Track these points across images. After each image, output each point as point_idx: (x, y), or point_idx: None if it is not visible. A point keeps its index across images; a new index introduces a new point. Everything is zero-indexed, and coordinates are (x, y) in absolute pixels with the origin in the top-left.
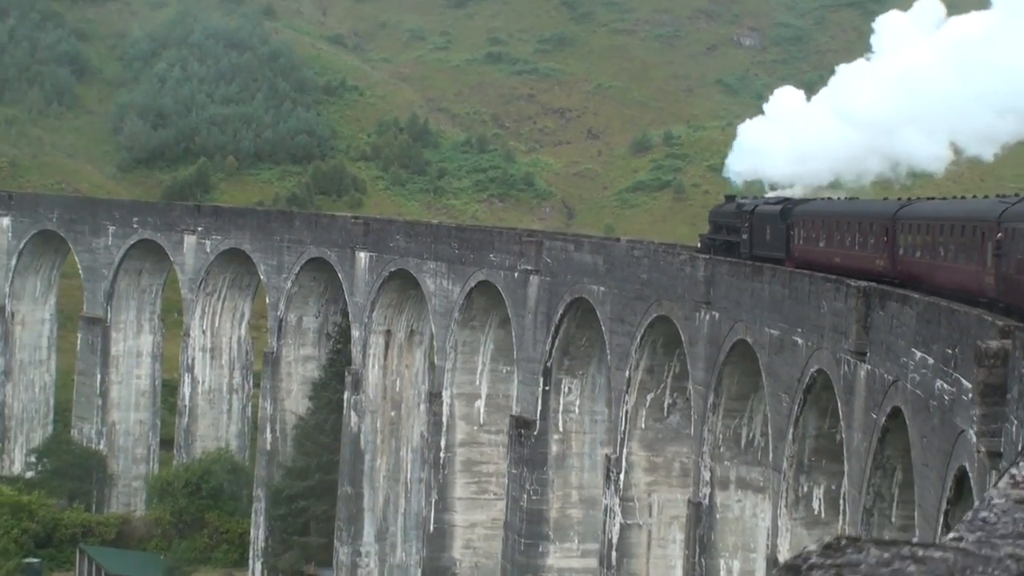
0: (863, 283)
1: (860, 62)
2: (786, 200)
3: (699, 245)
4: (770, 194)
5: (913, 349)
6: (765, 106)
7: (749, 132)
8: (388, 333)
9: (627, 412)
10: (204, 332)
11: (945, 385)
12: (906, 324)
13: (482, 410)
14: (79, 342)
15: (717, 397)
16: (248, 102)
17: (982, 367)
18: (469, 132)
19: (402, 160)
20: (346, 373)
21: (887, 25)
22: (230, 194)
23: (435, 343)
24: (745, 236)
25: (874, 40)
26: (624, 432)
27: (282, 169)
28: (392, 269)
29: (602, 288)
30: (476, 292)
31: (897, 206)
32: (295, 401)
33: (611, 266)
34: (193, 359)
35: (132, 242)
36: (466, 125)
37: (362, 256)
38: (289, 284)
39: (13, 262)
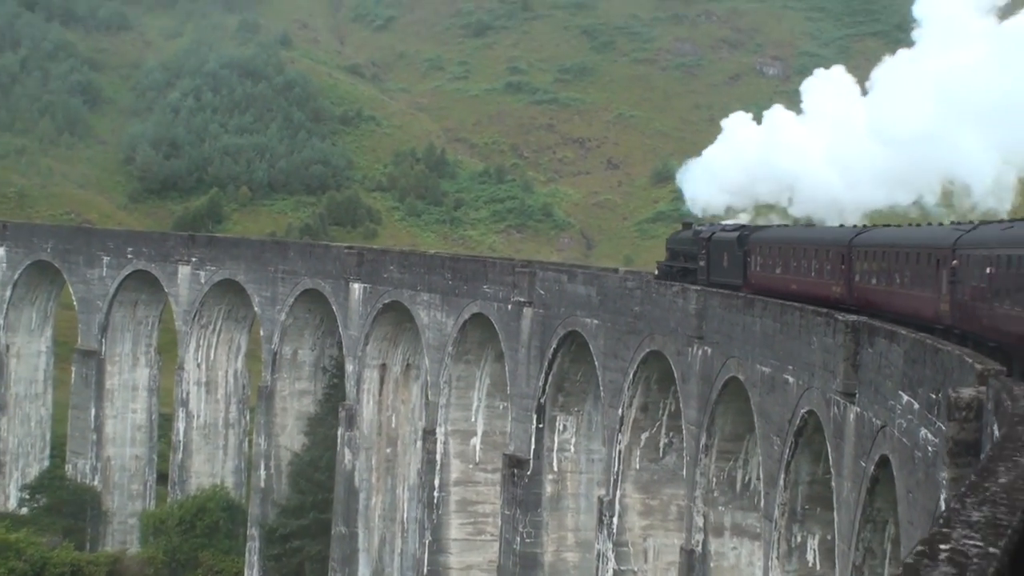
0: (852, 318)
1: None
2: (743, 227)
3: (656, 273)
4: (727, 221)
5: (900, 392)
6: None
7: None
8: (383, 367)
9: (621, 452)
10: (199, 365)
11: (929, 435)
12: (893, 363)
13: (478, 448)
14: (73, 375)
15: (710, 438)
16: (262, 132)
17: (952, 420)
18: (487, 162)
19: (418, 191)
20: (340, 408)
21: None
22: (243, 224)
23: (428, 378)
24: (702, 263)
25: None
26: (617, 473)
27: (296, 200)
28: (386, 301)
29: (595, 321)
30: (470, 325)
31: (853, 233)
32: (290, 437)
33: (604, 298)
34: (188, 393)
35: (127, 273)
36: (484, 155)
37: (356, 287)
38: (283, 316)
39: (8, 293)
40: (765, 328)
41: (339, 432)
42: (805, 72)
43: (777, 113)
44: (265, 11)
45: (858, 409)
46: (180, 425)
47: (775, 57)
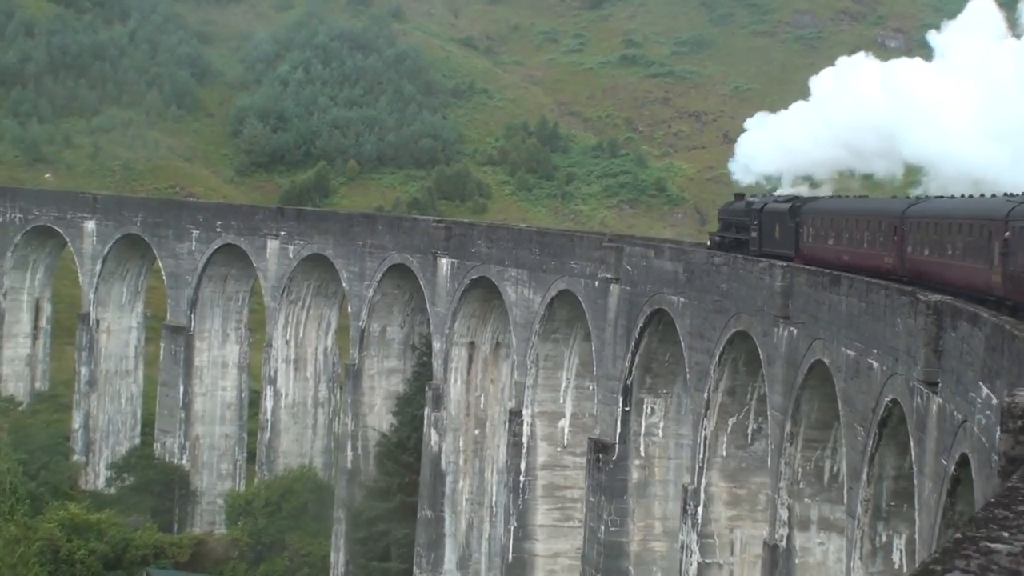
0: (935, 297)
1: None
2: (795, 198)
3: (708, 244)
4: (779, 192)
5: (980, 383)
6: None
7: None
8: (472, 345)
9: (706, 438)
10: (287, 342)
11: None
12: (975, 350)
13: (566, 430)
14: (162, 352)
15: (795, 425)
16: (372, 105)
17: (1006, 432)
18: (600, 136)
19: (529, 164)
20: (426, 388)
21: None
22: (350, 199)
23: (515, 357)
24: (754, 234)
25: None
26: (703, 460)
27: (405, 173)
28: (474, 277)
29: (682, 299)
30: (558, 302)
31: (906, 204)
32: (378, 417)
33: (691, 275)
34: (276, 371)
35: (216, 247)
36: (598, 129)
37: (444, 263)
38: (371, 292)
39: (98, 267)
40: (851, 308)
41: (426, 412)
42: (927, 45)
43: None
44: None
45: (940, 400)
46: (268, 404)
47: (897, 29)
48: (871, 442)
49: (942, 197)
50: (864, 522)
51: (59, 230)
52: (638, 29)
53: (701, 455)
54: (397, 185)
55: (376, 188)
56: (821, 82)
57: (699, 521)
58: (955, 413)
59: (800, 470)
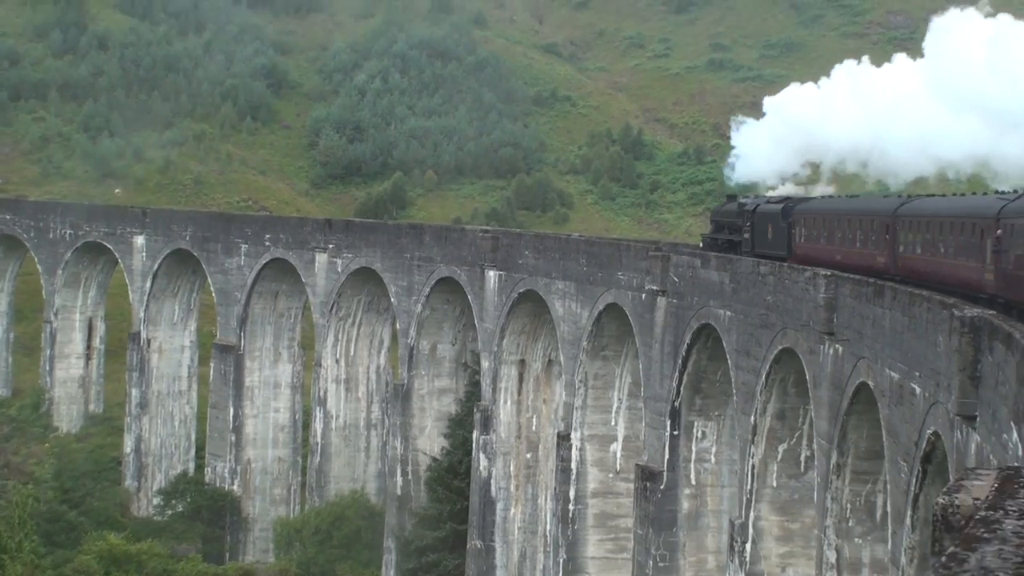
0: (971, 312)
1: None
2: (787, 199)
3: (701, 245)
4: (770, 193)
5: (1012, 423)
6: None
7: None
8: (522, 363)
9: (754, 467)
10: (338, 361)
11: None
12: (1008, 380)
13: (618, 455)
14: (212, 372)
15: (842, 456)
16: (451, 114)
17: None
18: (687, 143)
19: (613, 173)
20: (475, 409)
21: None
22: (427, 210)
23: (564, 376)
24: (747, 235)
25: None
26: (751, 492)
27: (484, 184)
28: (521, 290)
29: (728, 313)
30: (606, 316)
31: (897, 203)
32: (429, 439)
33: (737, 285)
34: (325, 391)
35: (264, 261)
36: (684, 135)
37: (491, 275)
38: (420, 308)
39: (148, 284)
40: (894, 323)
41: (474, 435)
42: None
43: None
44: None
45: (979, 438)
46: (318, 426)
47: None
48: (914, 480)
49: (933, 196)
50: (909, 573)
51: (109, 246)
52: (726, 32)
53: (749, 486)
54: (476, 196)
55: (455, 199)
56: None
57: (747, 559)
58: (991, 457)
59: (848, 506)
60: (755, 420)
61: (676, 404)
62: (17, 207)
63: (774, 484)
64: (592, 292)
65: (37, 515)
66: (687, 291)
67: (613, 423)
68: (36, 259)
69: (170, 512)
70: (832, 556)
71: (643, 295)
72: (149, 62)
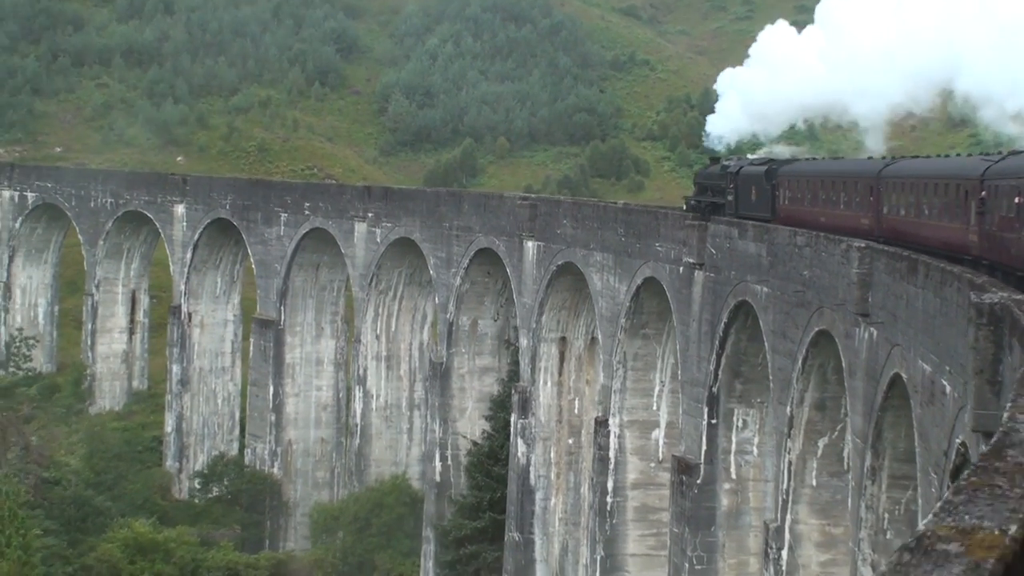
0: (995, 297)
1: None
2: (771, 161)
3: (684, 208)
4: (753, 155)
5: None
6: None
7: None
8: (563, 341)
9: (791, 463)
10: (378, 337)
11: None
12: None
13: (660, 443)
14: (251, 348)
15: (877, 458)
16: (524, 79)
17: None
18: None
19: (692, 139)
20: (512, 391)
21: None
22: (499, 178)
23: (601, 356)
24: (730, 197)
25: None
26: (788, 491)
27: (557, 151)
28: (560, 262)
29: (765, 289)
30: (645, 291)
31: (881, 165)
32: (470, 422)
33: (774, 258)
34: (365, 369)
35: (304, 231)
36: None
37: (530, 246)
38: (459, 281)
39: (188, 256)
40: (927, 305)
41: (512, 419)
42: None
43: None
44: None
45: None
46: (357, 406)
47: None
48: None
49: (917, 157)
50: None
51: (149, 215)
52: None
53: (785, 485)
54: (549, 163)
55: (527, 166)
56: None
57: (784, 567)
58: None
59: (886, 515)
60: (791, 411)
61: (714, 390)
62: (59, 175)
63: (814, 483)
64: (630, 265)
65: (61, 501)
66: (724, 264)
67: (655, 408)
68: (78, 229)
69: (207, 496)
70: (867, 573)
71: (680, 268)
72: (216, 26)
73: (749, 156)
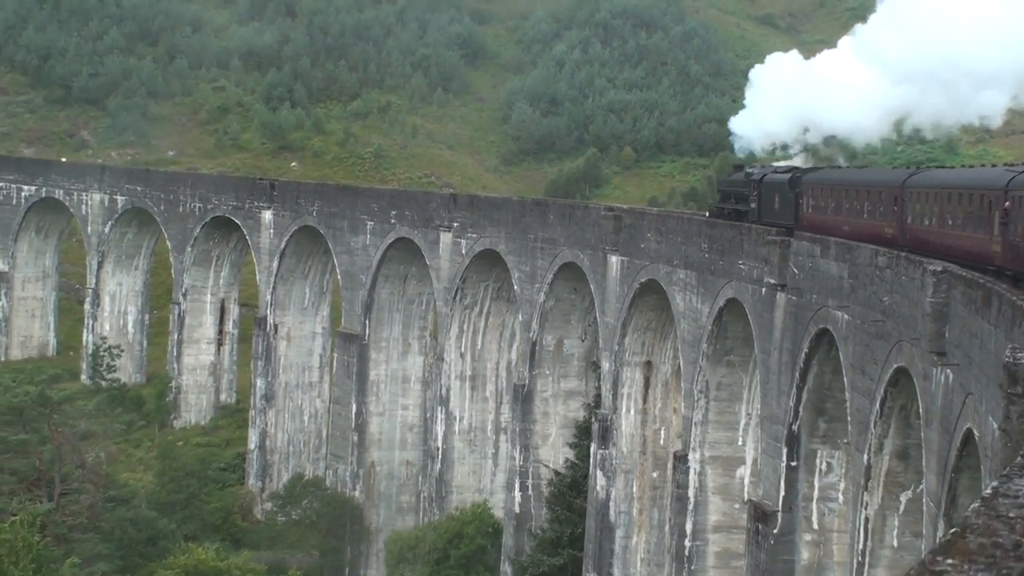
0: None
1: None
2: (795, 169)
3: (707, 215)
4: (777, 164)
5: None
6: None
7: None
8: (648, 366)
9: (867, 520)
10: (463, 355)
11: None
12: None
13: (746, 482)
14: (335, 363)
15: (951, 528)
16: (653, 87)
17: None
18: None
19: (826, 151)
20: (592, 419)
21: None
22: (623, 189)
23: (682, 385)
24: (753, 205)
25: None
26: (863, 552)
27: (685, 162)
28: (643, 279)
29: (846, 316)
30: (728, 314)
31: (906, 174)
32: (553, 450)
33: (855, 281)
34: (448, 389)
35: (390, 241)
36: None
37: (613, 261)
38: (543, 297)
39: (275, 264)
40: (999, 347)
41: (591, 449)
42: None
43: None
44: None
45: None
46: (439, 429)
47: None
48: None
49: (943, 167)
50: None
51: (237, 221)
52: None
53: (861, 544)
54: (676, 175)
55: (653, 178)
56: None
57: None
58: None
59: None
60: (869, 459)
61: (794, 428)
62: (148, 178)
63: (894, 543)
64: (713, 284)
65: (120, 523)
66: (806, 286)
67: (740, 442)
68: (166, 235)
69: (285, 519)
70: None
71: (763, 289)
72: (338, 30)
73: (773, 164)
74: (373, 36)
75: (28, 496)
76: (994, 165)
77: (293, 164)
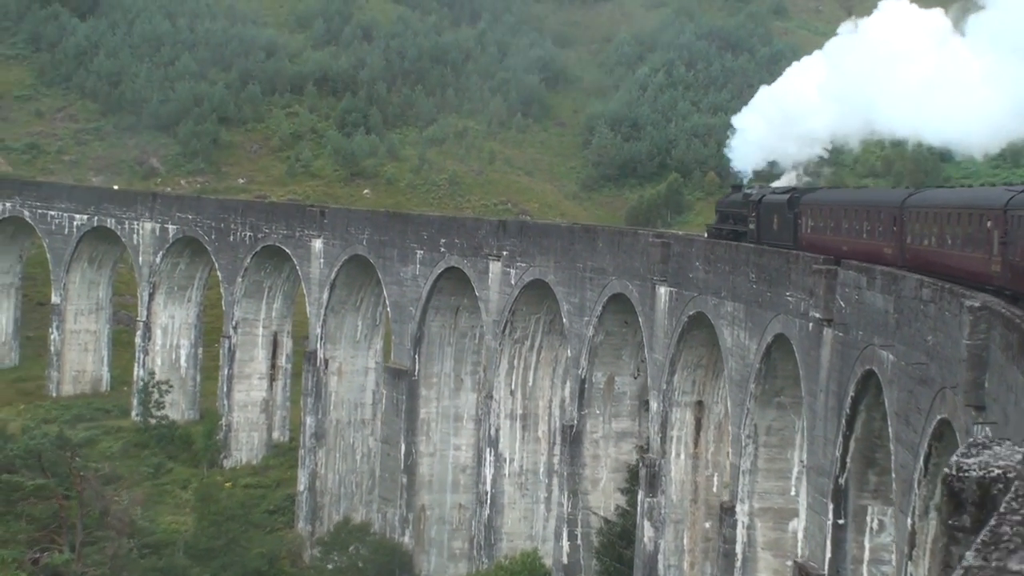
0: None
1: None
2: (793, 189)
3: (705, 235)
4: (775, 184)
5: None
6: None
7: None
8: (699, 406)
9: None
10: (513, 393)
11: None
12: None
13: (800, 536)
14: (384, 400)
15: None
16: (738, 111)
17: None
18: (1006, 145)
19: (916, 176)
20: (639, 464)
21: None
22: (705, 215)
23: (730, 429)
24: (752, 225)
25: None
26: None
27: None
28: (691, 312)
29: (891, 356)
30: (777, 350)
31: (905, 194)
32: (603, 495)
33: (900, 316)
34: (498, 429)
35: (440, 271)
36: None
37: (662, 292)
38: (591, 331)
39: (325, 296)
40: None
41: (639, 497)
42: None
43: None
44: None
45: None
46: (488, 471)
47: None
48: None
49: (941, 187)
50: None
51: (287, 250)
52: None
53: None
54: None
55: None
56: None
57: None
58: None
59: None
60: (913, 523)
61: (840, 481)
62: (199, 205)
63: None
64: (761, 318)
65: (146, 573)
66: (852, 321)
67: (793, 492)
68: (216, 265)
69: (331, 566)
70: None
71: (809, 325)
72: (415, 53)
73: (771, 185)
74: (451, 60)
75: (47, 545)
76: (993, 185)
77: (366, 192)
